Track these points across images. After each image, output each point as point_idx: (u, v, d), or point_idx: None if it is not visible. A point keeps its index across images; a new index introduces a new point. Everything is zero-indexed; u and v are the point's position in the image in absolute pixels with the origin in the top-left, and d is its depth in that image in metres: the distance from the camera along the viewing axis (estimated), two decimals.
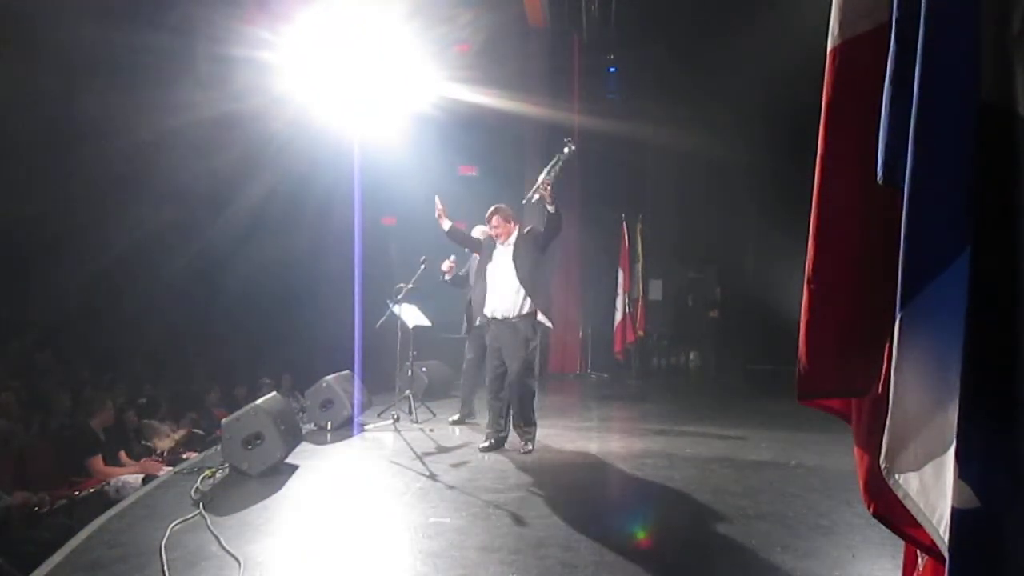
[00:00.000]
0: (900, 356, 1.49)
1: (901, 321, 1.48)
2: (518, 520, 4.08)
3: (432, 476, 5.04)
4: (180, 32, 9.15)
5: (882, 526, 1.71)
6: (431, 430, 6.63)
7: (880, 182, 1.56)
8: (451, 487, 4.76)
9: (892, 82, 1.53)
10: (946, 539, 1.43)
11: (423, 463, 5.41)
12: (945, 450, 1.45)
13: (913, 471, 1.52)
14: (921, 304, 1.46)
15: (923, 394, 1.48)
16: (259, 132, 9.44)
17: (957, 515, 1.38)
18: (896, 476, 1.54)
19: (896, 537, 1.70)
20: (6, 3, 8.56)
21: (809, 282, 1.79)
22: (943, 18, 1.43)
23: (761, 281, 11.54)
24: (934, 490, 1.49)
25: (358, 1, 8.33)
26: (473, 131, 10.59)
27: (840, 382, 1.79)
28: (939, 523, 1.48)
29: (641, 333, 11.41)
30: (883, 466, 1.55)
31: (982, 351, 1.37)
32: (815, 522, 4.12)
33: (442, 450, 5.90)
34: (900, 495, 1.54)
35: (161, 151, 9.55)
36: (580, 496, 4.67)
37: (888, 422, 1.53)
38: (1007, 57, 1.38)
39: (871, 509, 1.70)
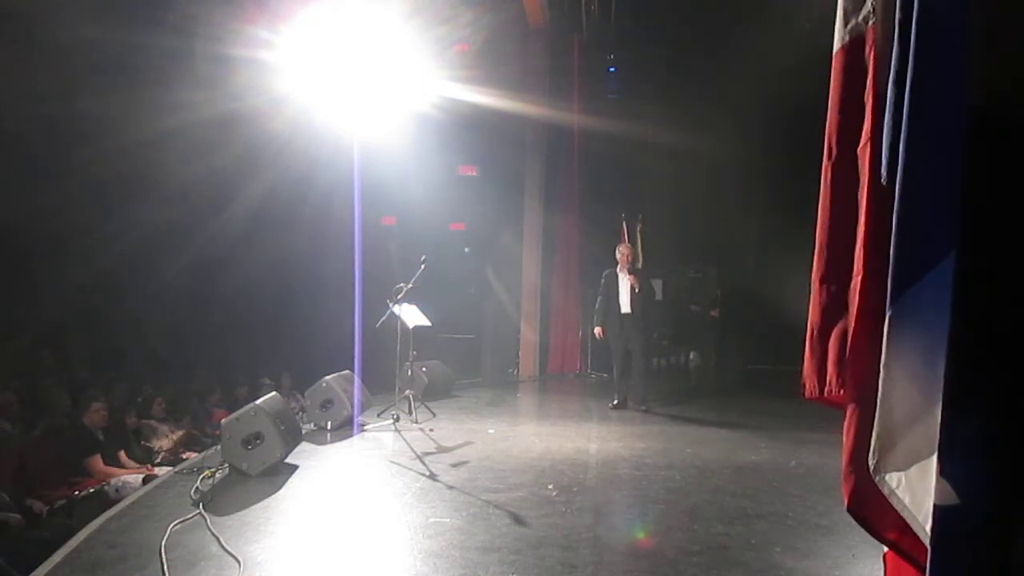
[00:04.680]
0: (888, 354, 1.49)
1: (890, 319, 1.48)
2: (518, 520, 4.09)
3: (432, 476, 5.05)
4: (180, 32, 9.13)
5: None
6: (431, 430, 6.63)
7: (884, 183, 1.56)
8: (451, 487, 4.76)
9: (895, 83, 1.53)
10: None
11: (423, 463, 5.42)
12: (931, 448, 1.45)
13: (901, 470, 1.52)
14: (908, 302, 1.46)
15: (910, 393, 1.48)
16: (259, 132, 9.41)
17: (938, 512, 1.39)
18: (883, 474, 1.54)
19: None
20: (6, 3, 8.54)
21: (819, 281, 1.80)
22: (932, 21, 1.43)
23: (761, 281, 11.54)
24: (920, 487, 1.49)
25: (358, 1, 8.32)
26: (473, 131, 10.56)
27: (843, 381, 1.79)
28: (925, 521, 1.48)
29: None
30: (871, 464, 1.55)
31: (965, 351, 1.37)
32: (815, 522, 4.12)
33: (442, 450, 5.90)
34: (886, 492, 1.54)
35: (161, 151, 9.52)
36: (580, 496, 4.67)
37: (876, 421, 1.53)
38: (996, 59, 1.38)
39: (848, 505, 1.69)
